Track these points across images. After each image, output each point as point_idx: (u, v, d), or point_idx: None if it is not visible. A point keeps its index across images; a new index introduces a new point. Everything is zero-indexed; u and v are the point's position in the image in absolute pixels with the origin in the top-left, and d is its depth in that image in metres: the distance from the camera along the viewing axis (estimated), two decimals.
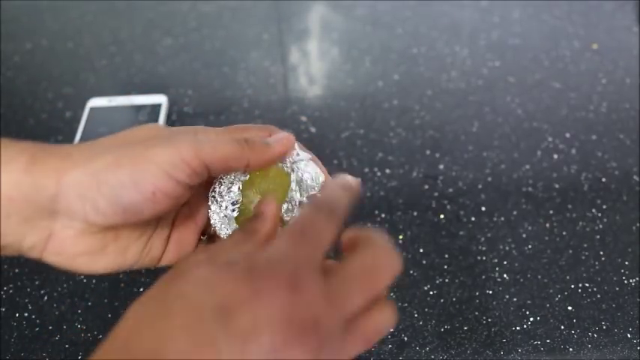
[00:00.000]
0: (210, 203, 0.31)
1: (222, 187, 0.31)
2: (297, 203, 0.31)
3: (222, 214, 0.31)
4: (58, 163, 0.26)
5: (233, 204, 0.31)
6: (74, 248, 0.28)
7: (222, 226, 0.31)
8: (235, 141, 0.29)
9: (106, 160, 0.27)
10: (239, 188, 0.31)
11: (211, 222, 0.32)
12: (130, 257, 0.30)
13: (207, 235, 0.34)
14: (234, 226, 0.31)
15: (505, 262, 0.51)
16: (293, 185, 0.31)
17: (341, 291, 0.23)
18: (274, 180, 0.31)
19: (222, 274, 0.23)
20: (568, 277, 0.50)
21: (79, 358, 0.45)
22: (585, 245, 0.53)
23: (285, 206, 0.31)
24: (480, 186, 0.58)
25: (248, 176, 0.31)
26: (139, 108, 0.65)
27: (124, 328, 0.23)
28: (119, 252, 0.29)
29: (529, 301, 0.49)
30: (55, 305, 0.48)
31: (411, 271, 0.51)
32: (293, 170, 0.31)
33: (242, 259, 0.23)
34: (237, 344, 0.21)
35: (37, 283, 0.50)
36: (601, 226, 0.54)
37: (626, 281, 0.50)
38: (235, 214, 0.31)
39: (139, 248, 0.30)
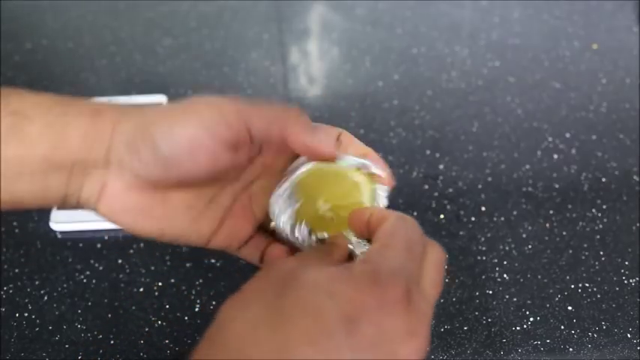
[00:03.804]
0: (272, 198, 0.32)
1: (284, 181, 0.32)
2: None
3: (282, 206, 0.31)
4: (116, 115, 0.28)
5: (290, 197, 0.31)
6: (123, 202, 0.29)
7: (282, 216, 0.31)
8: (280, 108, 0.29)
9: (155, 113, 0.28)
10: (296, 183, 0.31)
11: (270, 210, 0.32)
12: (177, 226, 0.31)
13: (267, 230, 0.34)
14: (293, 218, 0.31)
15: (505, 262, 0.51)
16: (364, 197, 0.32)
17: (427, 291, 0.25)
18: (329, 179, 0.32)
19: (343, 280, 0.22)
20: (568, 277, 0.50)
21: (79, 358, 0.45)
22: (585, 245, 0.53)
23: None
24: (480, 186, 0.58)
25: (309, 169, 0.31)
26: None
27: (233, 334, 0.22)
28: (165, 218, 0.30)
29: (529, 301, 0.49)
30: (55, 305, 0.48)
31: None
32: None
33: (359, 265, 0.23)
34: (363, 355, 0.21)
35: (37, 283, 0.50)
36: (601, 226, 0.54)
37: (626, 281, 0.50)
38: (296, 206, 0.31)
39: (186, 220, 0.31)
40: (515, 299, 0.49)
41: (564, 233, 0.54)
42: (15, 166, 0.27)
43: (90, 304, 0.48)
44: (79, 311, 0.48)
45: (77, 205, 0.30)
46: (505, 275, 0.50)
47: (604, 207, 0.56)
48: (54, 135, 0.27)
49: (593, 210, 0.56)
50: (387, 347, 0.21)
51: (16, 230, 0.54)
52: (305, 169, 0.31)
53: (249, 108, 0.28)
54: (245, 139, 0.28)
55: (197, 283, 0.50)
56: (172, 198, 0.30)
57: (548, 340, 0.46)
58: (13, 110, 0.27)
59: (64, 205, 0.29)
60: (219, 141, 0.28)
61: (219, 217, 0.32)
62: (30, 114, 0.27)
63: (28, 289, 0.50)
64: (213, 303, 0.48)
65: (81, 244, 0.52)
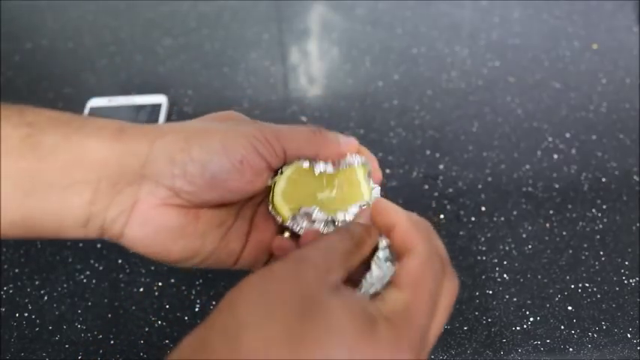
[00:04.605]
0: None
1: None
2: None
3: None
4: (148, 131, 0.28)
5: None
6: (157, 219, 0.28)
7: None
8: (309, 129, 0.31)
9: (196, 128, 0.29)
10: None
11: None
12: (209, 245, 0.30)
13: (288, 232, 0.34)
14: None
15: (505, 262, 0.51)
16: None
17: (432, 338, 0.26)
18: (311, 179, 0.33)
19: (366, 339, 0.22)
20: (568, 277, 0.50)
21: (79, 358, 0.45)
22: (585, 245, 0.53)
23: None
24: (480, 186, 0.58)
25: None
26: (139, 108, 0.65)
27: (245, 341, 0.22)
28: (197, 235, 0.29)
29: (529, 301, 0.49)
30: (55, 305, 0.48)
31: None
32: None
33: (384, 324, 0.23)
34: None
35: (37, 283, 0.50)
36: (601, 226, 0.54)
37: (626, 281, 0.50)
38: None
39: (217, 237, 0.30)
40: (515, 299, 0.49)
41: (564, 233, 0.54)
42: (30, 180, 0.25)
43: (90, 304, 0.48)
44: (79, 311, 0.48)
45: (100, 231, 0.27)
46: (505, 275, 0.50)
47: (604, 207, 0.56)
48: (73, 146, 0.26)
49: (593, 210, 0.56)
50: None
51: None
52: (288, 173, 0.32)
53: (283, 132, 0.30)
54: (281, 159, 0.30)
55: (197, 283, 0.50)
56: (204, 215, 0.30)
57: (548, 340, 0.46)
58: (29, 122, 0.26)
59: (84, 231, 0.27)
60: (264, 160, 0.29)
61: (246, 232, 0.32)
62: (46, 126, 0.26)
63: (28, 289, 0.50)
64: (213, 303, 0.48)
65: (81, 244, 0.52)
